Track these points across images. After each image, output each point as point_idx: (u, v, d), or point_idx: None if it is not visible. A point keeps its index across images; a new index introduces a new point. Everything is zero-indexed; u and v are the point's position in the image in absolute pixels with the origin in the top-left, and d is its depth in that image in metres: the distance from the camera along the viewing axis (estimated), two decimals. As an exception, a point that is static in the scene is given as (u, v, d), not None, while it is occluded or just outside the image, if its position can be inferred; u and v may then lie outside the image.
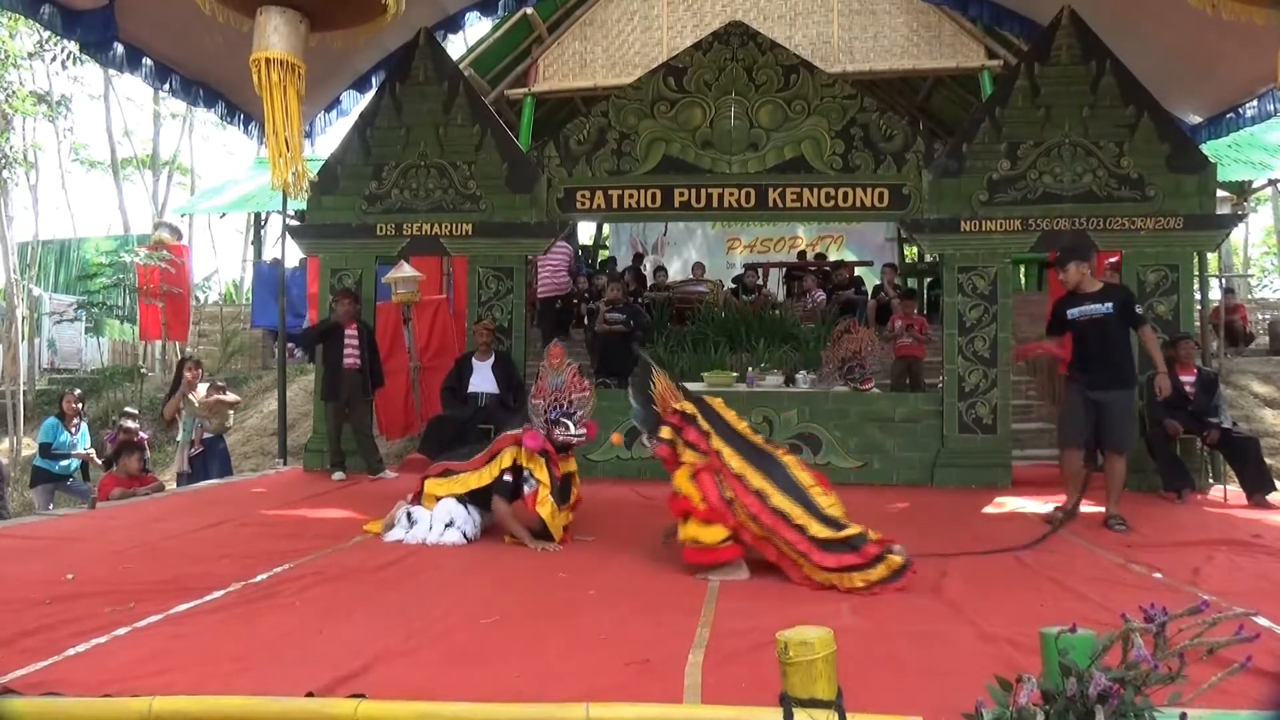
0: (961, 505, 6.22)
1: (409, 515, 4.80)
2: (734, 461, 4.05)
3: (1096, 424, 5.35)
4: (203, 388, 8.24)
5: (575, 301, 11.77)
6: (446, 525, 4.67)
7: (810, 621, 2.19)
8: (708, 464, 4.07)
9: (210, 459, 8.03)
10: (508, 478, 4.67)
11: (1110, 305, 5.30)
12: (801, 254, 14.67)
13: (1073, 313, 5.41)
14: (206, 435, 8.04)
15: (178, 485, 7.78)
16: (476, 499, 4.80)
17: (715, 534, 3.92)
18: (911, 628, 3.20)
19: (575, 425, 4.74)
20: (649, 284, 12.68)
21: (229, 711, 2.27)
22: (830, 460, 7.31)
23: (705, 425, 4.20)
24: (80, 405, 8.70)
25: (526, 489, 4.63)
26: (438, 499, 4.78)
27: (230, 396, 8.57)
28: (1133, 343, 5.46)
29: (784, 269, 13.64)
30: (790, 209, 7.77)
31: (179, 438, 8.15)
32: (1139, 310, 5.47)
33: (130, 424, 8.02)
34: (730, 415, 4.34)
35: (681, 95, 7.78)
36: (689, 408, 4.29)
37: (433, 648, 2.92)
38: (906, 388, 8.82)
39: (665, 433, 4.26)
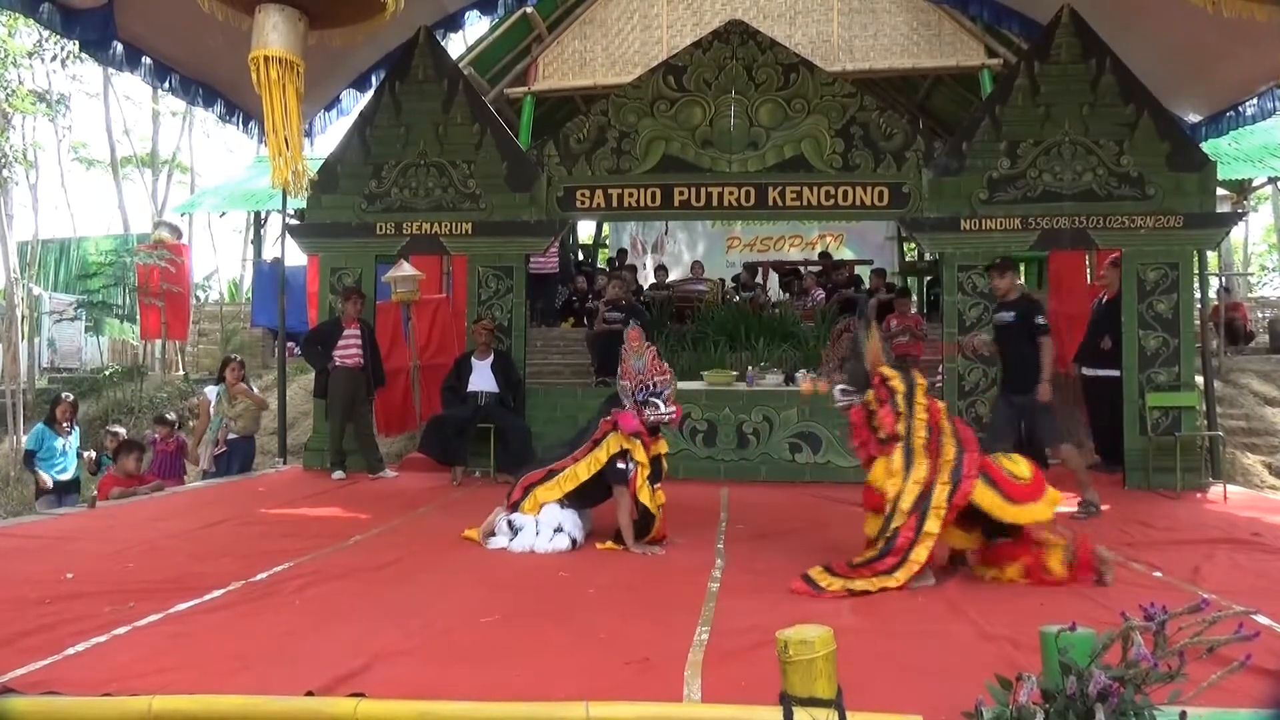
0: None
1: (510, 523, 4.62)
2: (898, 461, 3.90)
3: (1026, 427, 5.64)
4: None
5: (571, 293, 12.17)
6: (556, 531, 4.52)
7: (810, 620, 2.19)
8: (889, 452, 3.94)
9: (233, 459, 8.03)
10: (620, 464, 4.51)
11: (1014, 314, 5.73)
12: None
13: (996, 318, 5.95)
14: (231, 436, 8.04)
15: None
16: (575, 498, 4.65)
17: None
18: (911, 627, 3.20)
19: (664, 404, 4.60)
20: (649, 283, 12.70)
21: (229, 710, 2.27)
22: (830, 459, 7.31)
23: (901, 407, 4.01)
24: (74, 413, 8.57)
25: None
26: (542, 504, 4.62)
27: (256, 394, 8.51)
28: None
29: (782, 268, 13.61)
30: (790, 208, 7.77)
31: (206, 437, 8.13)
32: (1040, 322, 5.73)
33: (119, 430, 8.01)
34: (919, 407, 4.01)
35: (681, 94, 7.77)
36: (897, 383, 4.07)
37: (433, 647, 2.92)
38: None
39: (870, 397, 4.11)
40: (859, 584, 3.68)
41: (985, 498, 3.79)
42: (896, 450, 3.93)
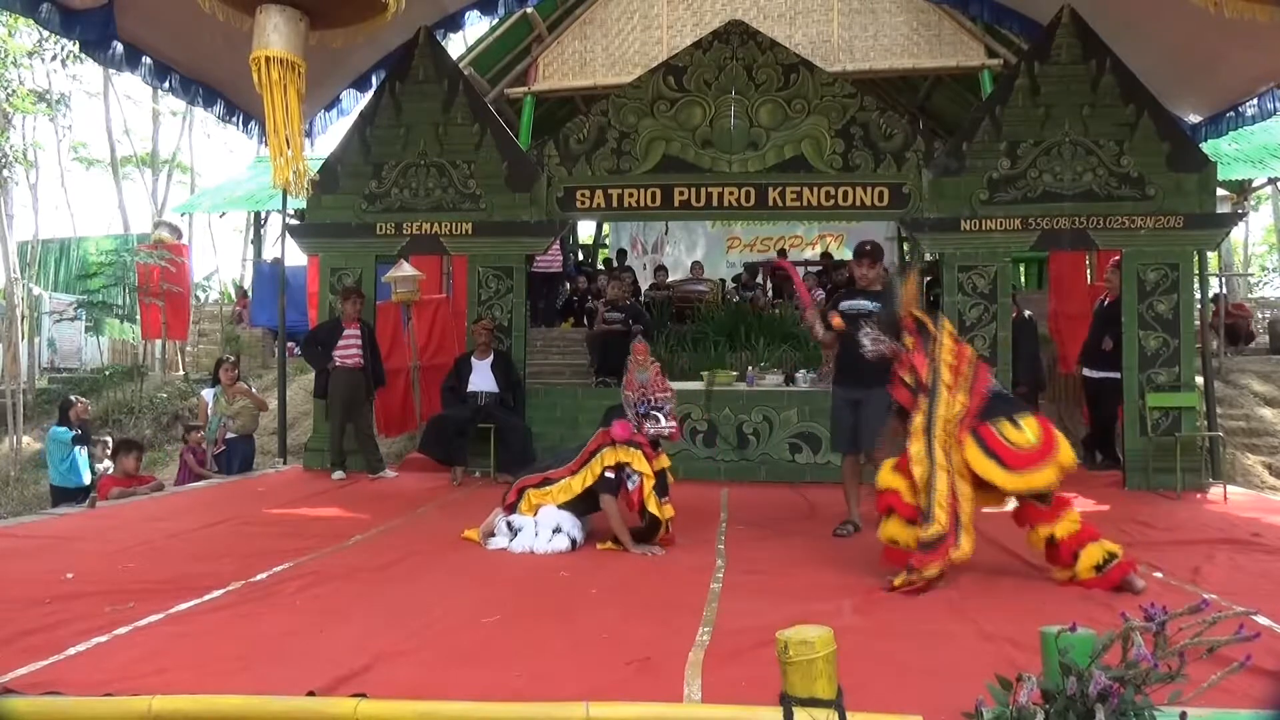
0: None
1: (509, 524, 4.63)
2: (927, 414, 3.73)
3: (854, 424, 5.16)
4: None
5: (572, 291, 12.21)
6: (554, 531, 4.53)
7: (811, 620, 2.18)
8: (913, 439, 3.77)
9: (233, 458, 8.04)
10: (610, 474, 4.54)
11: (877, 304, 5.16)
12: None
13: (845, 305, 5.21)
14: (230, 435, 8.05)
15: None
16: (572, 506, 4.65)
17: (914, 537, 3.69)
18: (912, 627, 3.20)
19: (665, 418, 4.63)
20: (649, 284, 12.72)
21: (229, 711, 2.27)
22: (830, 459, 7.29)
23: (931, 352, 3.86)
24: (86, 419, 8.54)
25: (629, 485, 4.52)
26: (537, 506, 4.62)
27: (255, 394, 8.54)
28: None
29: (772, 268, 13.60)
30: (790, 208, 7.77)
31: (206, 437, 8.14)
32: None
33: (110, 437, 8.03)
34: (944, 349, 3.87)
35: (681, 94, 7.77)
36: (931, 326, 3.96)
37: (433, 647, 2.92)
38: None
39: (909, 341, 3.96)
40: (932, 570, 3.58)
41: (980, 464, 3.62)
42: (918, 416, 3.77)
